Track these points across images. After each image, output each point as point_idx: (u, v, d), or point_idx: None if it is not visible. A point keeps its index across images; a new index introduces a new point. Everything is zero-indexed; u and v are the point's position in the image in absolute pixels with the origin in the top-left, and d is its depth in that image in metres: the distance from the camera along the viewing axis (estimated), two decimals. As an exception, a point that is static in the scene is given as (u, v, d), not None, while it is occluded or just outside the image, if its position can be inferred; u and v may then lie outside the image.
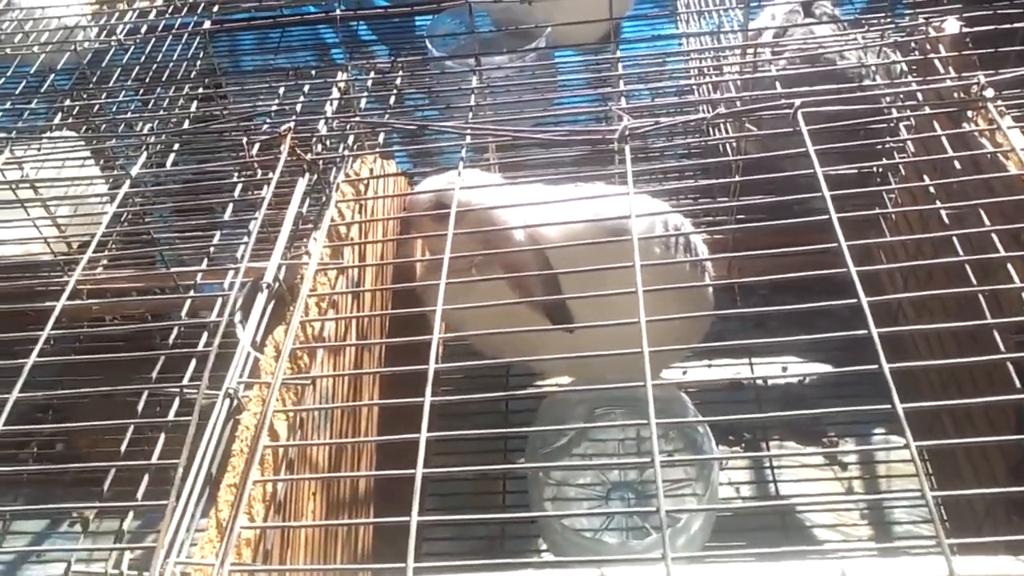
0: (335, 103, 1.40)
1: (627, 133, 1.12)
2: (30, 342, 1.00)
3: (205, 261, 1.31)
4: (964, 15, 1.34)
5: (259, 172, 1.30)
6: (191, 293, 1.34)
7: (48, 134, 1.72)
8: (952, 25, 1.34)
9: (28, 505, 1.71)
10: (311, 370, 1.00)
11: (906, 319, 1.45)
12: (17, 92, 1.73)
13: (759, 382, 1.78)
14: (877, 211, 1.54)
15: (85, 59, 1.75)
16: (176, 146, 1.61)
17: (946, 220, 1.21)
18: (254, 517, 0.83)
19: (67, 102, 1.78)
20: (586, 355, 0.90)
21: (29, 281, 1.51)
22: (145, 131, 1.67)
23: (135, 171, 1.28)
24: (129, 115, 1.90)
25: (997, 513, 1.17)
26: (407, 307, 1.17)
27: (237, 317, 0.99)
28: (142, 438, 1.43)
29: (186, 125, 1.49)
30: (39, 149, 1.65)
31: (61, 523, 1.74)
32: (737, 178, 1.50)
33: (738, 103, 1.41)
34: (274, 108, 1.45)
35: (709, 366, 1.81)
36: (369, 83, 1.51)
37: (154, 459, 1.05)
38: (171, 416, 1.05)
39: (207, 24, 1.63)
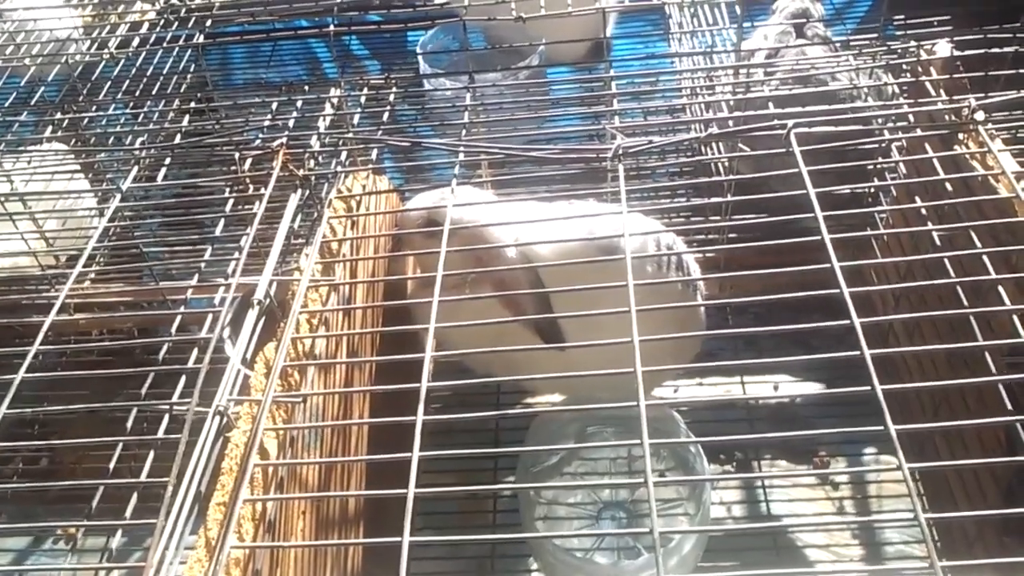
0: (328, 119, 1.40)
1: (620, 152, 1.12)
2: (16, 356, 0.98)
3: (196, 276, 1.30)
4: (955, 38, 1.35)
5: (251, 187, 1.29)
6: (181, 308, 1.33)
7: (37, 147, 1.71)
8: (943, 48, 1.35)
9: (11, 522, 1.69)
10: (302, 387, 0.99)
11: (897, 340, 1.45)
12: (6, 104, 1.71)
13: (750, 401, 1.78)
14: (869, 232, 1.54)
15: (76, 71, 1.74)
16: (167, 160, 1.61)
17: (937, 242, 1.21)
18: (243, 536, 0.82)
19: (57, 115, 1.77)
20: (578, 375, 0.89)
21: (16, 295, 1.49)
22: (136, 145, 1.66)
23: (125, 185, 1.27)
24: (119, 128, 1.90)
25: (988, 534, 1.17)
26: (398, 324, 1.17)
27: (227, 333, 0.99)
28: (130, 454, 1.41)
29: (177, 139, 1.48)
30: (28, 162, 1.64)
31: (46, 540, 1.71)
32: (730, 197, 1.50)
33: (731, 123, 1.41)
34: (266, 123, 1.44)
35: (700, 384, 1.81)
36: (362, 99, 1.50)
37: (143, 476, 1.04)
38: (160, 433, 1.04)
39: (199, 37, 1.62)
